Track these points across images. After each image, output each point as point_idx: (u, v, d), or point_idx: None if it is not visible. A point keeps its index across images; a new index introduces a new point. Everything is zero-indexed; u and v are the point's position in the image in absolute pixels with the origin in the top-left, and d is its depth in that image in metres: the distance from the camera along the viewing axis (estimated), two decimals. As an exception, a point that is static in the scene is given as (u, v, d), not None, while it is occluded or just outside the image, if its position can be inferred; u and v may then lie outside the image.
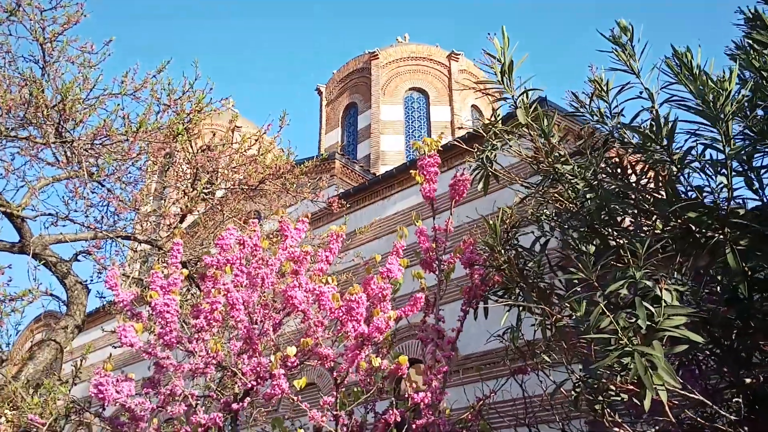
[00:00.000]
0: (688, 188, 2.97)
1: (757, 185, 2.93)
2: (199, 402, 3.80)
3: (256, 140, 6.48)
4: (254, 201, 7.62)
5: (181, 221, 7.02)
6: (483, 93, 3.12)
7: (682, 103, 2.88)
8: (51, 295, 7.01)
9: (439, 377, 3.30)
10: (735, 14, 3.68)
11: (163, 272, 3.65)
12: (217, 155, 6.19)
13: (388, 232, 12.93)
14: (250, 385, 3.39)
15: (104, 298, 7.83)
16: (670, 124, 2.79)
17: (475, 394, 3.67)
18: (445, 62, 22.38)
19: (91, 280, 6.59)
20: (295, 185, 6.72)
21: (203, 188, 5.91)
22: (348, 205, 14.34)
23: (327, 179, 15.45)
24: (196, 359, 3.30)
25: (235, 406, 3.27)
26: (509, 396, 4.02)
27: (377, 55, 22.54)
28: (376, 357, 3.08)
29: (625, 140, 3.32)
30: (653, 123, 2.85)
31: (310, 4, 76.04)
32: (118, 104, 5.54)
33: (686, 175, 2.91)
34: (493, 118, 3.33)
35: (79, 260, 6.74)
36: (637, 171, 3.19)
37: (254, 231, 3.57)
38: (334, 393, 3.25)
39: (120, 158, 5.41)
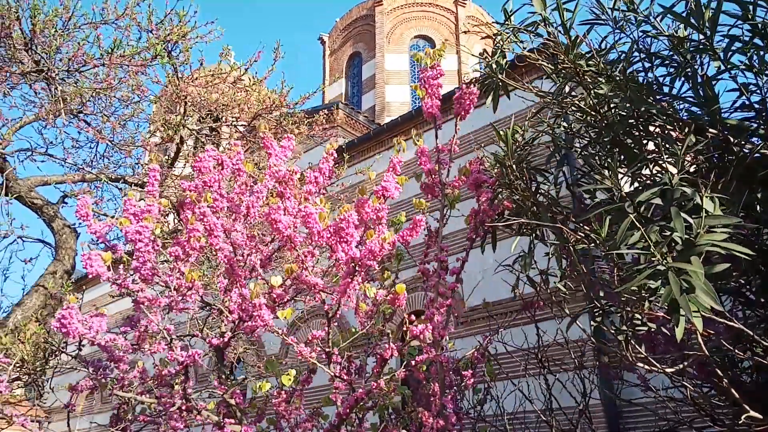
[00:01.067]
0: (730, 89, 2.57)
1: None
2: (181, 340, 3.51)
3: (246, 70, 6.04)
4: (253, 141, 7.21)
5: (172, 164, 6.65)
6: (492, -16, 2.67)
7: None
8: (39, 240, 6.73)
9: (441, 311, 2.97)
10: None
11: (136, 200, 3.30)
12: (204, 84, 5.77)
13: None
14: (235, 322, 3.07)
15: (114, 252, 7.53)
16: (712, 10, 2.36)
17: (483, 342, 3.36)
18: (452, 8, 21.52)
19: (79, 224, 6.28)
20: (291, 122, 6.31)
21: (183, 117, 5.50)
22: (352, 156, 13.97)
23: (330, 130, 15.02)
24: (171, 292, 2.98)
25: (215, 341, 2.97)
26: (523, 340, 3.72)
27: (381, 1, 21.70)
28: (370, 286, 2.73)
29: (653, 44, 2.90)
30: (692, 8, 2.42)
31: (313, -45, 73.69)
32: (95, 29, 5.10)
33: (729, 71, 2.50)
34: (488, 15, 2.89)
35: (66, 203, 6.42)
36: (668, 73, 2.76)
37: (236, 152, 3.19)
38: (326, 328, 2.94)
39: (98, 87, 5.00)
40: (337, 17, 23.81)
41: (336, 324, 11.67)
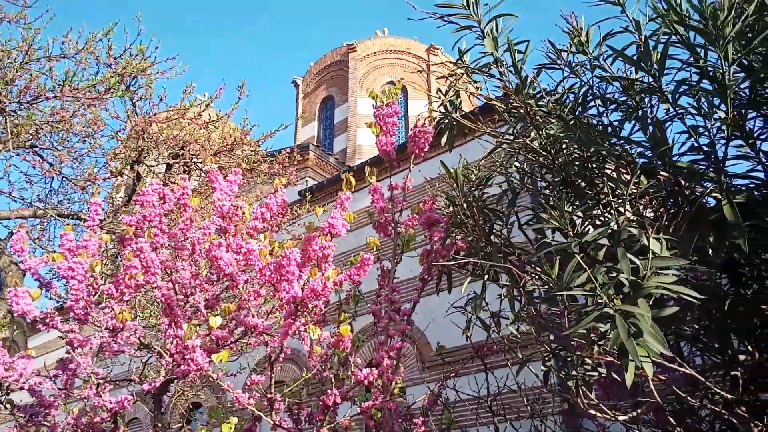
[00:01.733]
0: (680, 131, 2.57)
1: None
2: (117, 384, 3.30)
3: (207, 105, 5.96)
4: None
5: (129, 200, 6.47)
6: (446, 21, 2.67)
7: (672, 33, 2.47)
8: (-17, 277, 6.43)
9: (391, 354, 2.84)
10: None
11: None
12: (165, 120, 5.65)
13: (361, 225, 12.48)
14: (171, 365, 2.89)
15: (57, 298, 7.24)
16: (659, 51, 2.36)
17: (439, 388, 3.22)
18: (423, 56, 21.98)
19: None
20: (252, 160, 6.21)
21: (133, 149, 5.37)
22: (321, 197, 13.89)
23: (300, 171, 14.99)
24: (103, 332, 2.80)
25: (146, 387, 2.78)
26: (477, 387, 3.58)
27: (355, 47, 22.07)
28: (316, 328, 2.60)
29: (607, 88, 2.91)
30: (641, 51, 2.42)
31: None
32: (49, 60, 5.00)
33: (678, 115, 2.50)
34: (458, 56, 2.87)
35: (13, 238, 6.15)
36: (620, 117, 2.76)
37: (182, 187, 3.07)
38: (269, 372, 2.78)
39: (51, 120, 4.86)
40: (311, 62, 24.09)
41: (298, 368, 11.34)
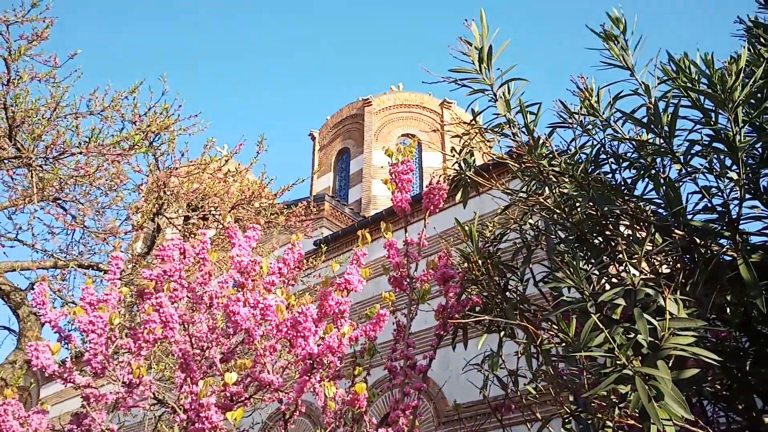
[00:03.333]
0: (693, 192, 2.59)
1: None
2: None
3: (227, 160, 6.11)
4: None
5: (148, 252, 6.57)
6: (459, 85, 2.76)
7: (682, 95, 2.52)
8: (3, 327, 6.50)
9: (407, 413, 2.81)
10: (734, 24, 3.39)
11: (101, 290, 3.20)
12: (185, 174, 5.80)
13: (376, 276, 12.47)
14: (186, 422, 2.88)
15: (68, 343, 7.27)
16: (670, 113, 2.42)
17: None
18: (437, 110, 22.39)
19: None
20: (270, 212, 6.31)
21: (154, 204, 5.48)
22: (336, 247, 13.95)
23: (316, 222, 15.13)
24: (119, 387, 2.81)
25: (161, 442, 2.76)
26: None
27: (370, 102, 22.56)
28: (331, 385, 2.59)
29: (619, 146, 2.96)
30: (652, 115, 2.48)
31: (306, 54, 77.63)
32: (76, 118, 5.19)
33: (690, 177, 2.53)
34: (470, 117, 2.96)
35: (34, 290, 6.23)
36: (632, 176, 2.80)
37: (201, 241, 3.13)
38: (282, 430, 2.76)
39: (75, 175, 5.01)
40: (327, 115, 24.62)
41: (312, 422, 11.14)
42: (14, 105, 4.95)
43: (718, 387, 2.82)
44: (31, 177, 5.30)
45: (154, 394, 3.07)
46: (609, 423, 2.33)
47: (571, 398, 2.55)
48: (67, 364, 2.86)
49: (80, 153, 5.08)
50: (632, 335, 2.02)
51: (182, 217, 6.40)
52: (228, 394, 2.74)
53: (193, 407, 2.62)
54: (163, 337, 2.82)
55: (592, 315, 2.02)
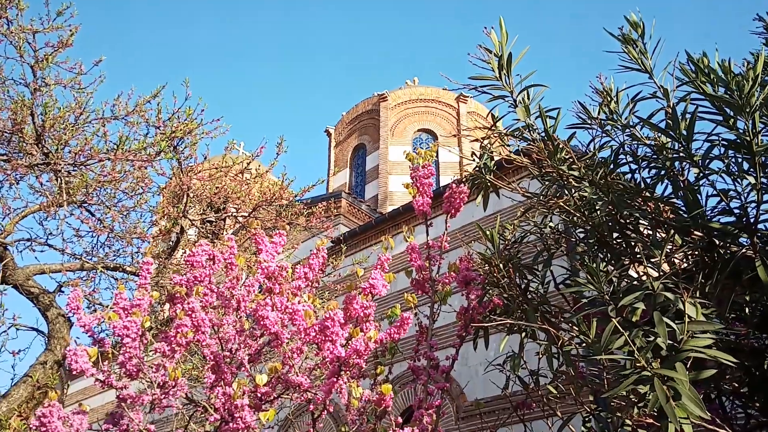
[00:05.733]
0: (711, 194, 2.63)
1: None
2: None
3: (248, 163, 6.22)
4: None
5: (171, 253, 6.71)
6: (479, 91, 2.82)
7: (701, 98, 2.56)
8: (33, 329, 6.68)
9: (430, 412, 2.89)
10: (753, 22, 3.41)
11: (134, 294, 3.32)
12: (206, 177, 5.93)
13: (394, 271, 12.54)
14: (218, 422, 2.99)
15: (101, 346, 7.46)
16: (688, 119, 2.46)
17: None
18: (453, 104, 22.34)
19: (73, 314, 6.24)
20: (291, 213, 6.42)
21: (184, 209, 5.61)
22: (354, 244, 14.05)
23: (333, 218, 15.22)
24: (154, 389, 2.93)
25: (195, 442, 2.88)
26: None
27: (386, 97, 22.59)
28: (358, 386, 2.68)
29: (638, 148, 3.00)
30: (670, 120, 2.53)
31: (321, 50, 77.78)
32: (103, 125, 5.33)
33: (708, 179, 2.57)
34: (490, 121, 3.02)
35: (62, 292, 6.42)
36: (651, 177, 2.84)
37: (229, 247, 3.24)
38: (310, 429, 2.85)
39: (102, 179, 5.16)
40: (343, 111, 24.69)
41: (332, 419, 11.28)
42: (43, 113, 5.10)
43: (736, 384, 2.87)
44: (59, 182, 5.45)
45: (186, 394, 3.18)
46: (628, 422, 2.39)
47: (591, 397, 2.62)
48: (105, 368, 2.98)
49: (108, 159, 5.22)
50: (651, 338, 2.08)
51: (204, 219, 6.53)
52: (258, 394, 2.84)
53: (226, 407, 2.72)
54: (194, 340, 2.93)
55: (613, 319, 2.08)
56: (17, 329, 6.54)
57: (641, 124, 2.68)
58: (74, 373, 2.89)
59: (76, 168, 5.42)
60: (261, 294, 2.85)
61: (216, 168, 6.12)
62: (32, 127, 5.71)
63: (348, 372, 2.78)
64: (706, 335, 2.07)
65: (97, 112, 5.98)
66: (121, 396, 3.03)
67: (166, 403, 3.01)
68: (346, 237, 13.62)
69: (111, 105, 6.01)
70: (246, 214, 6.32)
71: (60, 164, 5.32)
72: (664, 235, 2.80)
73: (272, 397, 3.11)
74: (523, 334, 2.97)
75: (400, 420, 2.77)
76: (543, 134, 2.79)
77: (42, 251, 5.78)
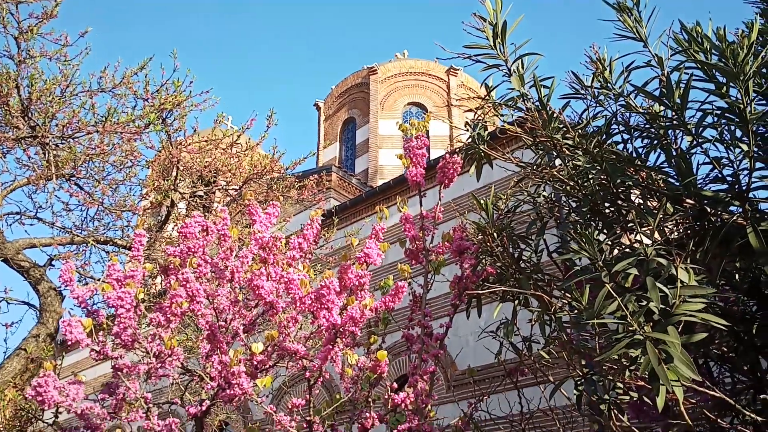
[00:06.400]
0: (704, 162, 2.65)
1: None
2: (160, 408, 3.44)
3: (238, 136, 6.18)
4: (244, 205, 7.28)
5: (162, 226, 6.68)
6: (473, 60, 2.80)
7: (695, 67, 2.56)
8: (24, 302, 6.66)
9: (425, 378, 2.94)
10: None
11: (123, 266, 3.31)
12: (196, 150, 5.87)
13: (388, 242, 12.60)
14: (215, 389, 3.02)
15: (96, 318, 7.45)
16: (682, 87, 2.47)
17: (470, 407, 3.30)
18: (444, 77, 22.19)
19: (65, 287, 6.22)
20: (282, 186, 6.40)
21: (174, 182, 5.57)
22: (345, 218, 14.06)
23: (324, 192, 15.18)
24: (150, 359, 2.95)
25: (192, 410, 2.91)
26: (508, 407, 3.65)
27: (376, 70, 22.38)
28: (353, 353, 2.72)
29: (631, 117, 3.01)
30: (664, 88, 2.53)
31: (309, 22, 76.65)
32: (90, 97, 5.25)
33: (701, 147, 2.59)
34: (482, 93, 3.01)
35: (53, 266, 6.39)
36: (644, 146, 2.86)
37: (222, 218, 3.23)
38: (307, 396, 2.89)
39: (91, 153, 5.10)
40: (332, 85, 24.46)
41: (324, 388, 11.42)
42: (29, 85, 5.01)
43: (725, 349, 2.93)
44: (46, 155, 5.39)
45: (182, 363, 3.21)
46: (619, 384, 2.44)
47: (583, 362, 2.67)
48: (100, 337, 2.99)
49: (96, 131, 5.15)
50: (644, 303, 2.11)
51: (193, 192, 6.49)
52: (254, 363, 2.86)
53: (222, 375, 2.75)
54: (189, 310, 2.94)
55: (606, 284, 2.11)
56: (8, 303, 6.53)
57: (635, 92, 2.68)
58: (69, 343, 2.89)
59: (63, 141, 5.35)
60: (256, 264, 2.86)
61: (206, 141, 6.06)
62: (18, 100, 5.61)
63: (343, 340, 2.81)
64: (698, 300, 2.11)
65: (84, 85, 5.88)
66: (116, 365, 3.04)
67: (162, 372, 3.04)
68: (336, 211, 13.62)
69: (98, 77, 5.92)
70: (237, 188, 6.29)
71: (47, 137, 5.25)
72: (655, 204, 2.83)
73: (268, 366, 3.15)
74: (516, 302, 3.01)
75: (395, 386, 2.81)
76: (537, 103, 2.78)
77: (32, 224, 5.74)
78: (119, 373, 3.04)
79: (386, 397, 2.83)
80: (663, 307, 2.07)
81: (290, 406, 2.70)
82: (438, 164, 3.36)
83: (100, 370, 16.12)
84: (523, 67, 2.80)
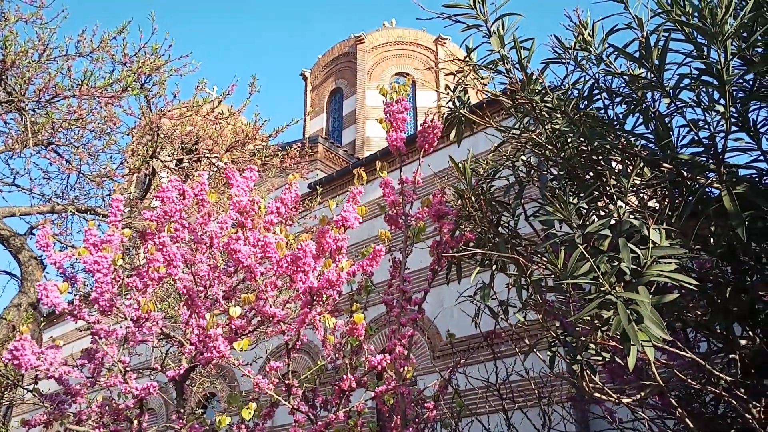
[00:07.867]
0: (681, 125, 2.65)
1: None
2: (140, 373, 3.44)
3: (219, 102, 6.09)
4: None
5: (144, 195, 6.62)
6: (453, 20, 2.76)
7: (674, 28, 2.54)
8: (5, 272, 6.61)
9: (403, 342, 2.96)
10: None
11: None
12: (177, 117, 5.78)
13: (371, 217, 12.59)
14: (193, 353, 3.03)
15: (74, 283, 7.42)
16: (660, 47, 2.45)
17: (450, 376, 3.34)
18: (431, 47, 21.96)
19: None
20: (265, 155, 6.33)
21: (149, 147, 5.50)
22: (331, 189, 14.00)
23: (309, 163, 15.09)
24: (128, 323, 2.94)
25: (170, 374, 2.91)
26: (487, 375, 3.70)
27: (363, 39, 22.09)
28: (331, 317, 2.72)
29: (612, 81, 2.99)
30: (644, 50, 2.50)
31: (298, -6, 75.32)
32: (67, 61, 5.13)
33: (679, 110, 2.58)
34: (465, 54, 2.97)
35: (34, 234, 6.33)
36: (624, 111, 2.85)
37: (200, 183, 3.19)
38: (286, 359, 2.90)
39: (68, 118, 5.00)
40: (319, 54, 24.13)
41: (309, 356, 11.52)
42: (4, 47, 4.88)
43: (699, 313, 2.97)
44: (25, 121, 5.28)
45: (161, 329, 3.20)
46: (592, 345, 2.47)
47: (557, 324, 2.69)
48: (76, 302, 2.97)
49: (72, 96, 5.05)
50: (616, 264, 2.12)
51: (176, 160, 6.42)
52: (233, 327, 2.86)
53: (201, 339, 2.75)
54: (167, 275, 2.93)
55: (579, 246, 2.11)
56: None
57: (616, 54, 2.65)
58: (46, 306, 2.87)
59: (41, 106, 5.24)
60: (232, 228, 2.84)
61: (186, 107, 5.96)
62: (-8, 64, 5.48)
63: (322, 305, 2.82)
64: (671, 261, 2.12)
65: (61, 49, 5.75)
66: (94, 330, 3.03)
67: (140, 337, 3.03)
68: (323, 182, 13.55)
69: (75, 41, 5.78)
70: (218, 156, 6.22)
71: (24, 101, 5.14)
72: (633, 169, 2.83)
73: (247, 331, 3.15)
74: (494, 267, 3.02)
75: (372, 348, 2.83)
76: (517, 65, 2.75)
77: (9, 191, 5.65)
78: (97, 338, 3.03)
79: (363, 359, 2.84)
80: (634, 267, 2.08)
81: (267, 369, 2.71)
82: (419, 129, 3.33)
83: (85, 343, 16.16)
84: (503, 28, 2.76)
